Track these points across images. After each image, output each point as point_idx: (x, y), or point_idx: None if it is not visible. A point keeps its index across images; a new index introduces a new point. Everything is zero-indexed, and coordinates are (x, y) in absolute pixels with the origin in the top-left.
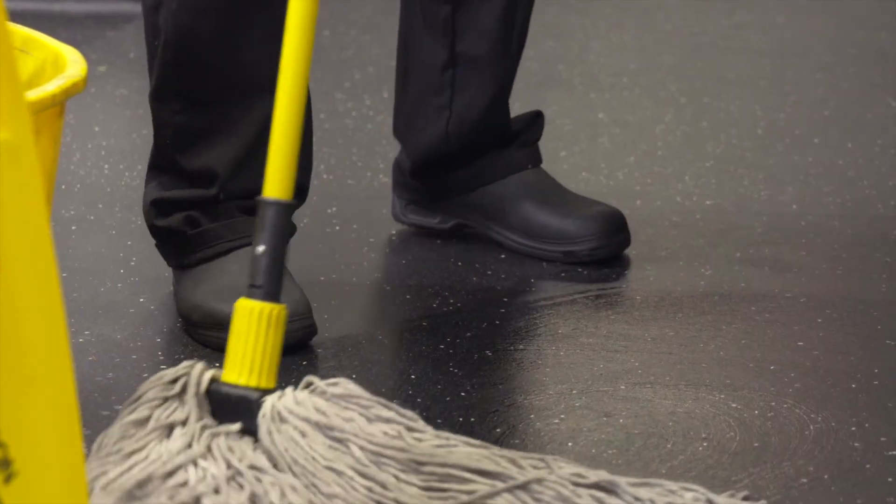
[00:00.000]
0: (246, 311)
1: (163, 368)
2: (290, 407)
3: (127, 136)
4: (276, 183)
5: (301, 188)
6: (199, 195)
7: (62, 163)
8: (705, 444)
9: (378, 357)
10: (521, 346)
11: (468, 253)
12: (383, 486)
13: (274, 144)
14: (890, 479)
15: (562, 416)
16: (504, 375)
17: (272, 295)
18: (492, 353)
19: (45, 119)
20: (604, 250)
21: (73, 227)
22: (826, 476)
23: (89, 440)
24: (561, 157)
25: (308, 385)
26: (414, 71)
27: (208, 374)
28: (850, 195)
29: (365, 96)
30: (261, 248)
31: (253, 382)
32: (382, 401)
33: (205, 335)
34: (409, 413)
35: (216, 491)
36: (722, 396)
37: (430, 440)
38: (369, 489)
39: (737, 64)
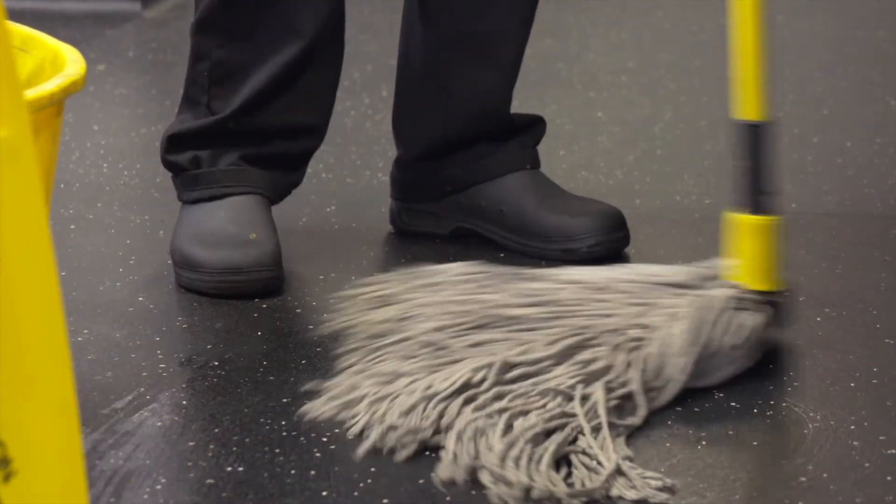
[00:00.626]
0: (742, 225)
1: (162, 367)
2: None
3: (126, 135)
4: (749, 106)
5: (312, 127)
6: (209, 123)
7: (61, 161)
8: (704, 442)
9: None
10: None
11: (466, 251)
12: None
13: (742, 69)
14: (889, 478)
15: None
16: None
17: (759, 207)
18: None
19: (43, 118)
20: (603, 247)
21: (72, 226)
22: (825, 475)
23: (89, 438)
24: (560, 156)
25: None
26: (412, 58)
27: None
28: (849, 194)
29: (364, 95)
30: (742, 163)
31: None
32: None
33: (179, 274)
34: None
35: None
36: (720, 395)
37: None
38: None
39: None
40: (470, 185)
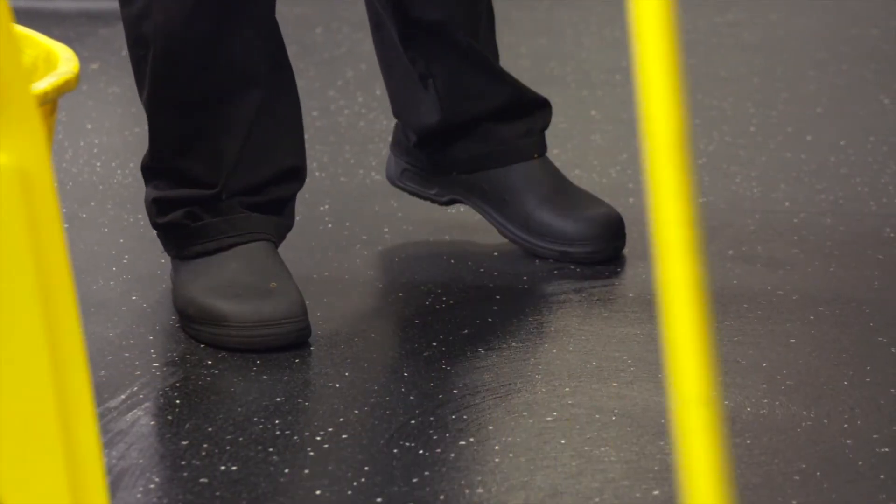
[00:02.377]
0: None
1: (156, 367)
2: None
3: (119, 134)
4: None
5: (296, 169)
6: (201, 194)
7: (54, 160)
8: None
9: (371, 355)
10: (513, 344)
11: (461, 250)
12: None
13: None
14: (882, 476)
15: (554, 413)
16: (497, 373)
17: None
18: (484, 350)
19: None
20: (600, 255)
21: (66, 225)
22: (818, 473)
23: None
24: (554, 155)
25: None
26: (387, 51)
27: None
28: (842, 192)
29: (357, 94)
30: None
31: None
32: None
33: (198, 330)
34: None
35: None
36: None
37: None
38: None
39: (729, 61)
40: (476, 170)
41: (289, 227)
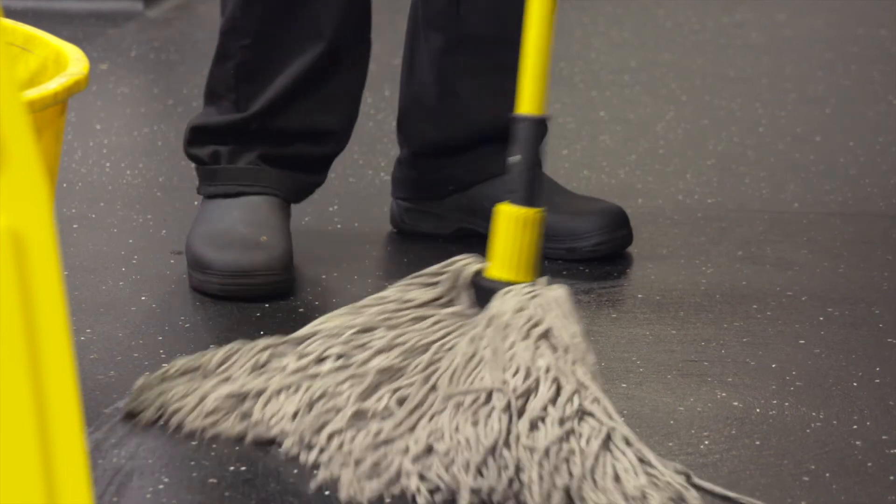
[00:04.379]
0: (505, 216)
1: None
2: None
3: (128, 134)
4: (527, 101)
5: (331, 133)
6: (230, 120)
7: (63, 161)
8: (707, 441)
9: None
10: None
11: (469, 251)
12: None
13: (525, 65)
14: (892, 477)
15: None
16: None
17: (527, 200)
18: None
19: (47, 117)
20: (607, 246)
21: (75, 226)
22: (827, 474)
23: (91, 437)
24: (562, 156)
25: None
26: (418, 62)
27: (473, 268)
28: (851, 193)
29: (366, 94)
30: (515, 158)
31: (512, 278)
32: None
33: (190, 274)
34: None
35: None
36: (723, 395)
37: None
38: None
39: (738, 61)
40: (472, 184)
41: (317, 185)
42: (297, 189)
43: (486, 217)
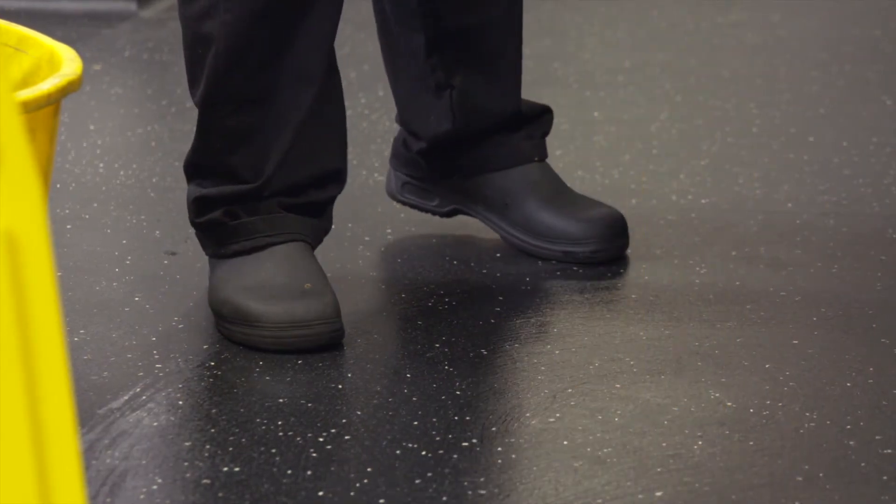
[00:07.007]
0: None
1: (158, 367)
2: None
3: (122, 135)
4: None
5: (337, 172)
6: (243, 190)
7: (57, 161)
8: (701, 442)
9: (373, 356)
10: (516, 345)
11: (464, 251)
12: None
13: None
14: (885, 478)
15: (557, 414)
16: (499, 374)
17: None
18: (487, 351)
19: (40, 117)
20: (604, 254)
21: (68, 226)
22: (821, 474)
23: (85, 438)
24: (556, 156)
25: None
26: (395, 56)
27: None
28: (845, 193)
29: (360, 94)
30: None
31: None
32: None
33: (232, 330)
34: None
35: None
36: (717, 395)
37: None
38: None
39: (732, 62)
40: (477, 174)
41: (326, 230)
42: (315, 234)
43: (486, 206)
